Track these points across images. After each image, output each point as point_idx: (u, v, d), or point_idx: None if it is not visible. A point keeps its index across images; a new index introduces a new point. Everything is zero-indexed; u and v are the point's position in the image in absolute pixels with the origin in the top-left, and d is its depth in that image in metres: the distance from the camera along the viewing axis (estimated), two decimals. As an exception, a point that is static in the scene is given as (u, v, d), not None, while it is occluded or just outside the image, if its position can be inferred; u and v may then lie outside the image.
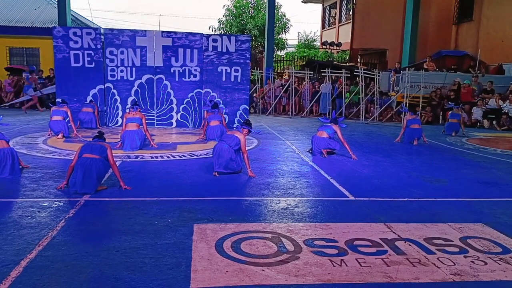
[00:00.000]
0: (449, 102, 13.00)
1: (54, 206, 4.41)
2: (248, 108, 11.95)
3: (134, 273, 2.97)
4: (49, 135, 8.94)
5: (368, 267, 3.16)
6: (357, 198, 5.03)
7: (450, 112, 12.14)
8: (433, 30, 20.94)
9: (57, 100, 9.67)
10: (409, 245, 3.60)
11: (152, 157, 7.09)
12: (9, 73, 16.60)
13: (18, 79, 16.19)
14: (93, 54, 10.84)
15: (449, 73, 15.46)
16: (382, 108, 15.18)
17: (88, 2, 58.29)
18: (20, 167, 5.85)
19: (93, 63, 10.87)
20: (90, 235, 3.70)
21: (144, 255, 3.26)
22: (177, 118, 11.42)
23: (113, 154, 5.15)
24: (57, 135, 8.74)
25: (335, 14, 26.94)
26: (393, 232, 3.89)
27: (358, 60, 23.48)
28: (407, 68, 15.21)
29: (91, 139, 5.39)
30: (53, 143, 8.21)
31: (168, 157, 7.17)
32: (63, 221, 3.94)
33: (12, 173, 5.50)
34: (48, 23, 18.52)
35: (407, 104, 13.19)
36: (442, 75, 15.24)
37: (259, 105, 16.40)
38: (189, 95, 11.33)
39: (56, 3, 17.31)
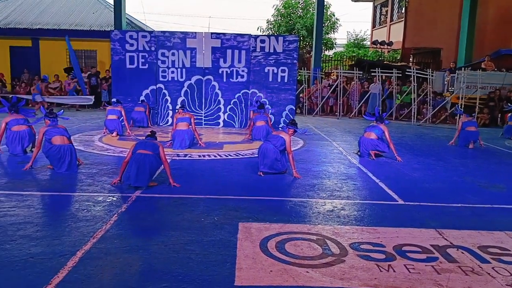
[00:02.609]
0: (509, 104, 12.27)
1: (108, 200, 4.64)
2: (294, 108, 11.92)
3: (182, 268, 3.06)
4: (104, 133, 9.39)
5: (417, 274, 3.06)
6: (406, 202, 4.87)
7: (509, 114, 11.47)
8: (491, 28, 19.78)
9: (112, 100, 10.15)
10: (462, 252, 3.45)
11: (199, 156, 7.26)
12: (68, 73, 17.36)
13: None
14: (147, 56, 11.26)
15: (509, 73, 14.59)
16: (436, 110, 14.59)
17: (142, 5, 60.57)
18: (78, 163, 6.21)
19: (147, 64, 11.29)
20: (140, 229, 3.86)
21: (191, 251, 3.35)
22: (224, 118, 11.60)
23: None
24: (112, 133, 9.17)
25: (386, 12, 26.23)
26: (445, 239, 3.73)
27: (410, 59, 22.70)
28: (463, 68, 14.52)
29: (143, 138, 5.62)
30: (108, 141, 8.61)
31: (215, 156, 7.31)
32: (116, 215, 4.13)
33: (69, 169, 5.82)
34: (105, 27, 19.40)
35: (463, 106, 12.59)
36: (501, 75, 14.41)
37: (305, 105, 16.29)
38: (236, 96, 11.47)
39: (113, 7, 18.12)
